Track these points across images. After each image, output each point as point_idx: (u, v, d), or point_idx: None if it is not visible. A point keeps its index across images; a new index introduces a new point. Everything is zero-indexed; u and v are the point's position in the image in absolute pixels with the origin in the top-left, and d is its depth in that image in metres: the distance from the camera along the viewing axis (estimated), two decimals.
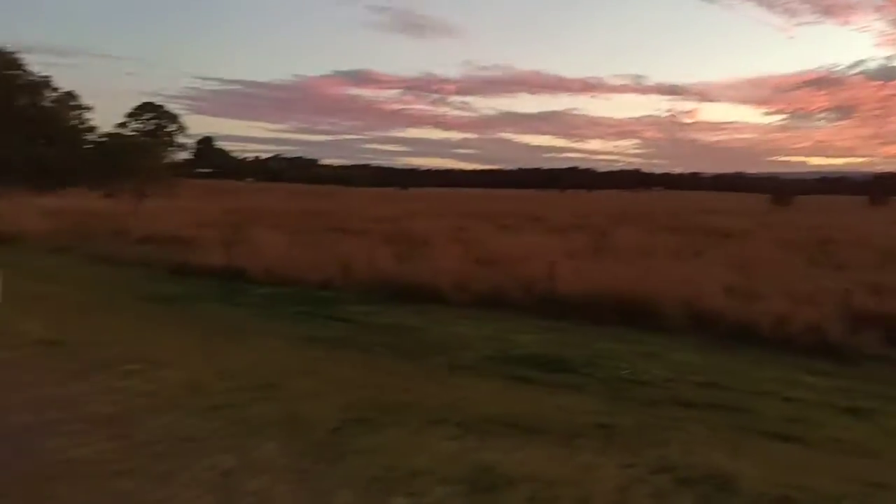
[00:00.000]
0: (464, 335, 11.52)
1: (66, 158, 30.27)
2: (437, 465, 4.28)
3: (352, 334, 11.58)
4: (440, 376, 8.55)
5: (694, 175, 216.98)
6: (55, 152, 31.06)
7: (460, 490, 3.94)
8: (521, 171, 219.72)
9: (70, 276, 14.78)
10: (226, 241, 20.68)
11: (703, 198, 73.44)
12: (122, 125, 37.83)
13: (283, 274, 17.36)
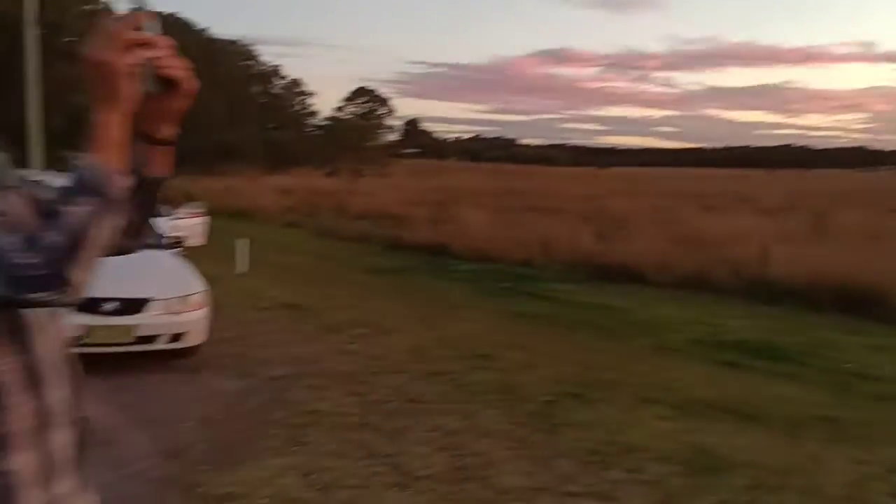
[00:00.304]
0: (668, 317, 11.27)
1: (293, 140, 33.14)
2: (652, 443, 4.33)
3: (555, 311, 11.74)
4: (645, 357, 8.48)
5: None
6: (284, 135, 34.10)
7: (677, 470, 3.97)
8: (727, 149, 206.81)
9: (300, 248, 16.28)
10: (433, 219, 21.66)
11: None
12: (340, 109, 40.64)
13: (487, 251, 17.88)
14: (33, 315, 1.18)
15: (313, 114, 39.48)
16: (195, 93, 1.25)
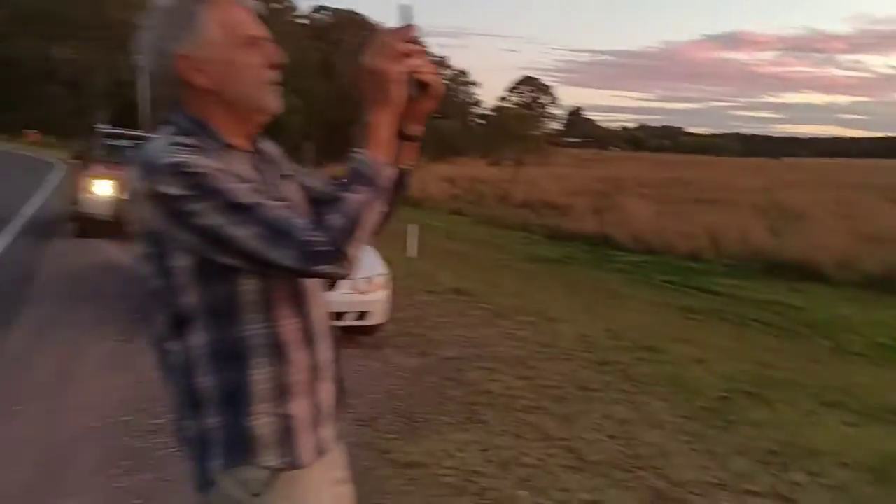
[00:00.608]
0: (849, 318, 10.58)
1: (457, 130, 33.86)
2: (837, 448, 4.17)
3: (723, 307, 11.33)
4: (824, 359, 8.05)
5: None
6: (449, 124, 34.91)
7: (865, 477, 3.81)
8: None
9: (465, 235, 16.75)
10: (595, 209, 21.44)
11: None
12: (503, 98, 40.98)
13: (651, 242, 17.50)
14: (310, 284, 1.43)
15: (478, 103, 40.19)
16: (442, 94, 1.46)
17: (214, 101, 1.35)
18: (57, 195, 17.87)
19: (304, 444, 1.38)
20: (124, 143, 12.59)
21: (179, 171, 1.23)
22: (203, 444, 1.36)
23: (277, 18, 53.02)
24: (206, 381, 1.32)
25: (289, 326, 1.36)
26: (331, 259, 1.24)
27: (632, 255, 16.29)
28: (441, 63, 40.72)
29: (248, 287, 1.31)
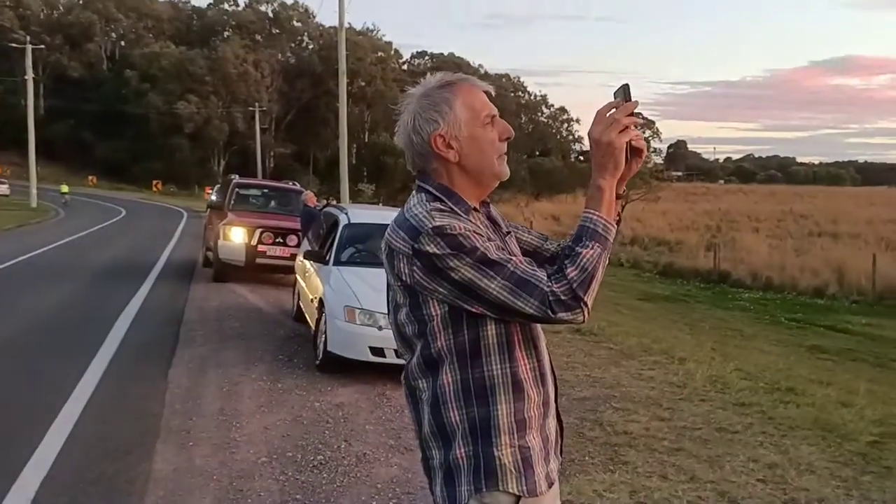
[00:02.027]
0: None
1: (559, 167, 33.91)
2: None
3: (856, 346, 10.85)
4: None
5: None
6: (550, 161, 35.04)
7: None
8: None
9: None
10: (706, 244, 20.93)
11: None
12: None
13: (770, 278, 16.92)
14: (540, 328, 1.61)
15: (578, 140, 40.13)
16: (645, 156, 1.63)
17: (459, 171, 1.58)
18: (187, 240, 19.10)
19: (539, 473, 1.54)
20: (255, 192, 13.41)
21: (442, 233, 1.45)
22: (452, 472, 1.53)
23: (384, 66, 55.01)
24: (455, 415, 1.51)
25: (525, 366, 1.54)
26: (570, 307, 1.42)
27: (751, 292, 15.81)
28: (542, 101, 41.18)
29: (491, 331, 1.51)
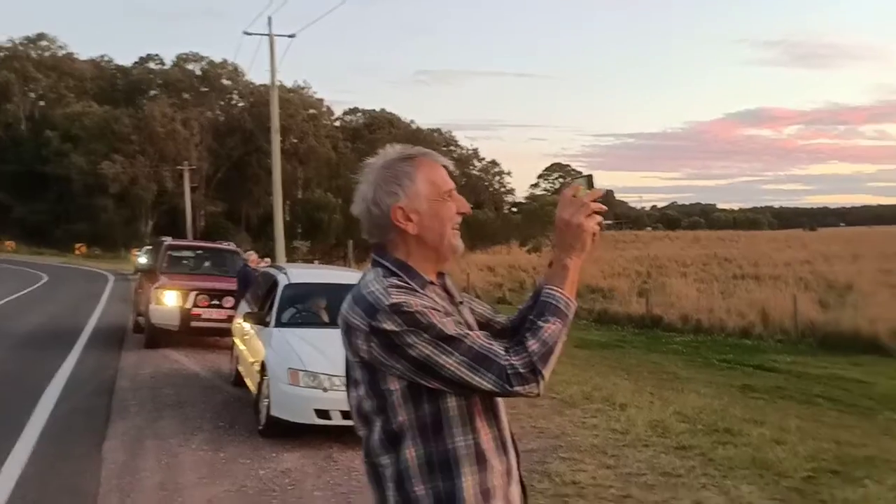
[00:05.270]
0: None
1: (492, 218, 34.47)
2: None
3: (784, 384, 11.24)
4: None
5: None
6: (483, 214, 35.60)
7: None
8: None
9: None
10: (638, 290, 21.50)
11: None
12: (535, 185, 41.79)
13: (700, 321, 17.44)
14: (500, 400, 1.66)
15: (510, 192, 41.05)
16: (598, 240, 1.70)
17: (417, 243, 1.61)
18: (116, 305, 18.50)
19: None
20: (188, 253, 13.16)
21: (399, 311, 1.48)
22: None
23: (316, 122, 55.20)
24: (420, 489, 1.52)
25: (487, 436, 1.57)
26: (527, 380, 1.46)
27: (683, 335, 16.25)
28: (474, 155, 42.02)
29: (452, 404, 1.53)
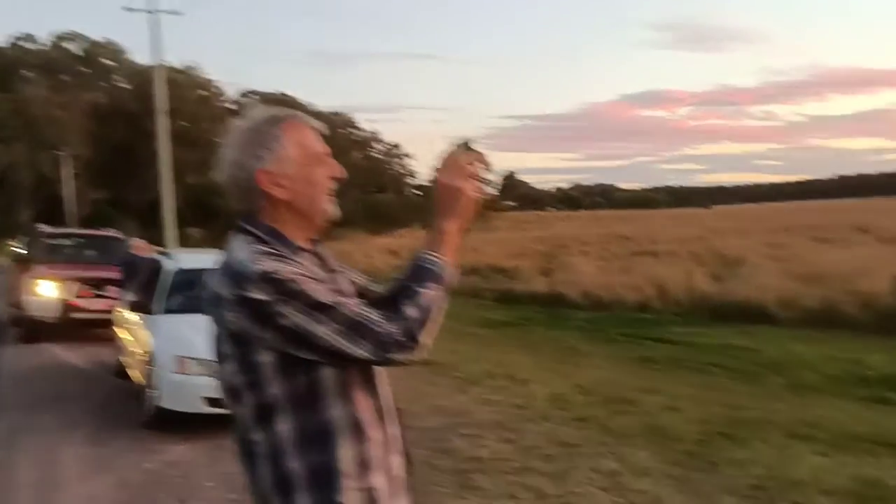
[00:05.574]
0: (800, 355, 10.97)
1: (395, 202, 34.32)
2: (815, 478, 4.36)
3: (680, 355, 11.63)
4: (785, 396, 8.33)
5: None
6: (386, 197, 35.39)
7: (847, 501, 4.00)
8: (839, 179, 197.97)
9: None
10: (542, 269, 21.86)
11: None
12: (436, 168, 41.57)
13: (600, 298, 17.87)
14: (379, 367, 1.55)
15: (413, 174, 40.90)
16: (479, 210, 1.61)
17: (287, 210, 1.51)
18: None
19: None
20: (67, 241, 12.39)
21: (269, 279, 1.37)
22: None
23: (206, 104, 53.37)
24: (295, 464, 1.42)
25: (365, 406, 1.49)
26: (406, 347, 1.40)
27: (585, 312, 16.59)
28: (374, 138, 41.58)
29: (327, 374, 1.43)
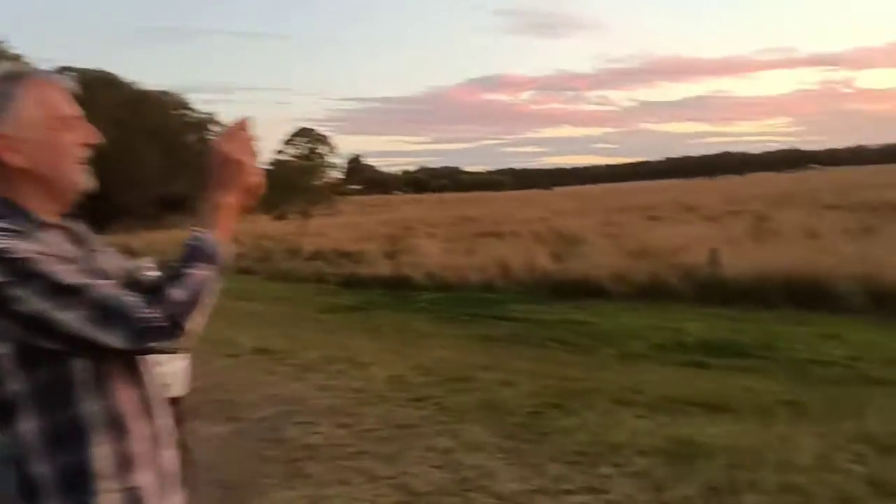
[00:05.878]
0: (629, 326, 11.67)
1: None
2: (634, 440, 4.59)
3: (521, 331, 12.01)
4: (614, 365, 8.80)
5: (858, 148, 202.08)
6: None
7: (661, 460, 4.23)
8: (667, 161, 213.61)
9: (258, 294, 16.27)
10: (387, 253, 21.85)
11: (871, 172, 67.52)
12: (280, 151, 40.45)
13: (445, 279, 18.12)
14: (145, 356, 1.39)
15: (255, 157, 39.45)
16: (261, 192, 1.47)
17: (27, 179, 1.33)
18: None
19: None
20: None
21: (2, 258, 1.20)
22: None
23: None
24: (41, 468, 1.26)
25: (125, 398, 1.33)
26: (168, 334, 1.26)
27: (430, 294, 16.75)
28: (210, 120, 39.69)
29: (78, 366, 1.27)
